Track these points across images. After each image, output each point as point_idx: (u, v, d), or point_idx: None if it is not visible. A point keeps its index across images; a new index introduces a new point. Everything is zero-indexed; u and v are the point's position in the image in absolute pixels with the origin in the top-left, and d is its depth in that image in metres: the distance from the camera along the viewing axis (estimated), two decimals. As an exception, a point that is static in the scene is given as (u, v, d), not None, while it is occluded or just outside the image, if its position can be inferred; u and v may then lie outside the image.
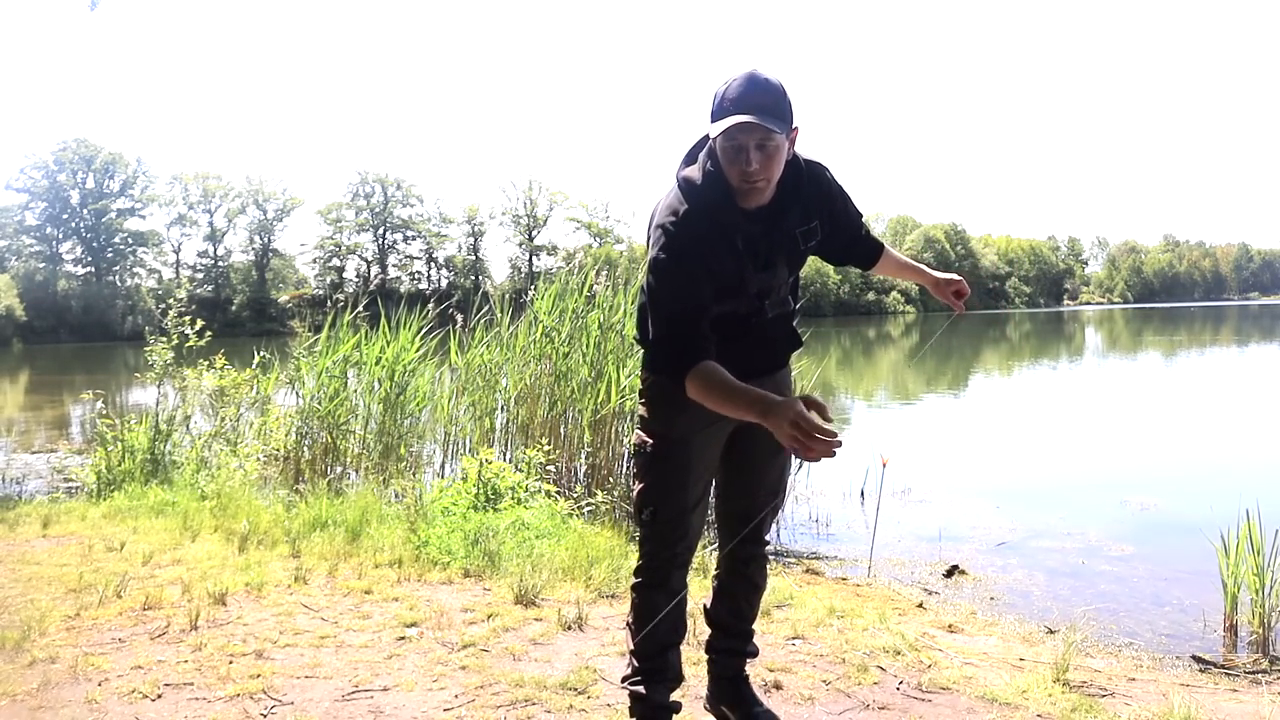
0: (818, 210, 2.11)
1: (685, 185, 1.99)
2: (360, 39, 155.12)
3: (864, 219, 2.32)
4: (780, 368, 2.29)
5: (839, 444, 1.56)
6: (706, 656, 2.46)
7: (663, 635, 2.22)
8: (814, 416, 1.64)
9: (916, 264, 2.49)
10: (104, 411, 6.52)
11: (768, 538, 2.46)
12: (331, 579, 3.83)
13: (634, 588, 2.26)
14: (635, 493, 2.21)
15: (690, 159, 2.05)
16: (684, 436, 2.11)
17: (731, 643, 2.40)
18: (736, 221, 1.97)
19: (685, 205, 1.96)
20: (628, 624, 2.29)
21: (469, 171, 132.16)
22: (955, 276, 2.41)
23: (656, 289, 1.98)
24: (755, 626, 2.45)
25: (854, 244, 2.33)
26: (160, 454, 6.21)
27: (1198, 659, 3.49)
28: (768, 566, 2.44)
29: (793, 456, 2.02)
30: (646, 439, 2.17)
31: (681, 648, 2.30)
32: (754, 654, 2.45)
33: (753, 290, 2.06)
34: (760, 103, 1.82)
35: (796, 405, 1.64)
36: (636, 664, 2.25)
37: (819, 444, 1.57)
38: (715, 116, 1.86)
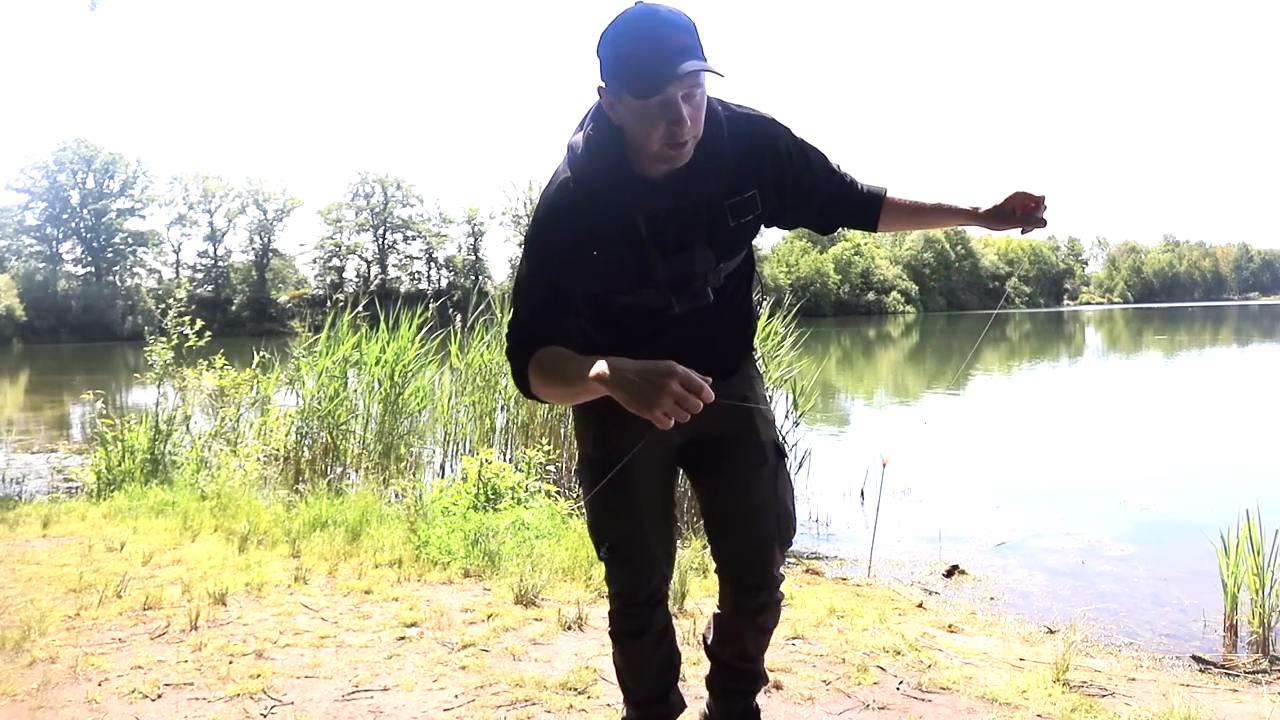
0: (756, 175, 1.66)
1: (570, 154, 1.62)
2: (360, 39, 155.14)
3: (841, 169, 1.82)
4: (727, 373, 1.80)
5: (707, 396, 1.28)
6: (707, 688, 2.11)
7: (654, 679, 2.03)
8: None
9: (945, 202, 1.81)
10: (104, 411, 6.53)
11: (780, 572, 1.93)
12: (331, 579, 3.83)
13: (612, 637, 2.00)
14: (588, 527, 1.92)
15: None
16: (621, 455, 1.70)
17: (737, 683, 2.04)
18: (634, 196, 1.57)
19: (568, 174, 1.61)
20: (617, 670, 2.08)
21: (469, 171, 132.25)
22: (1019, 190, 1.69)
23: (519, 272, 1.66)
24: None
25: (836, 205, 1.83)
26: (160, 454, 6.20)
27: (1198, 659, 3.49)
28: (782, 603, 1.99)
29: (777, 478, 1.82)
30: (583, 462, 1.89)
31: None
32: (765, 682, 2.11)
33: (662, 279, 1.65)
34: (682, 43, 1.42)
35: (673, 367, 1.29)
36: (636, 715, 2.07)
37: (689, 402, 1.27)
38: (621, 68, 1.45)
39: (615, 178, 1.56)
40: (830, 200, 1.82)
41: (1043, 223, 1.69)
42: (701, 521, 2.14)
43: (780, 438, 2.01)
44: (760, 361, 7.09)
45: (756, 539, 1.85)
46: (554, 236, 1.60)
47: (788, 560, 5.15)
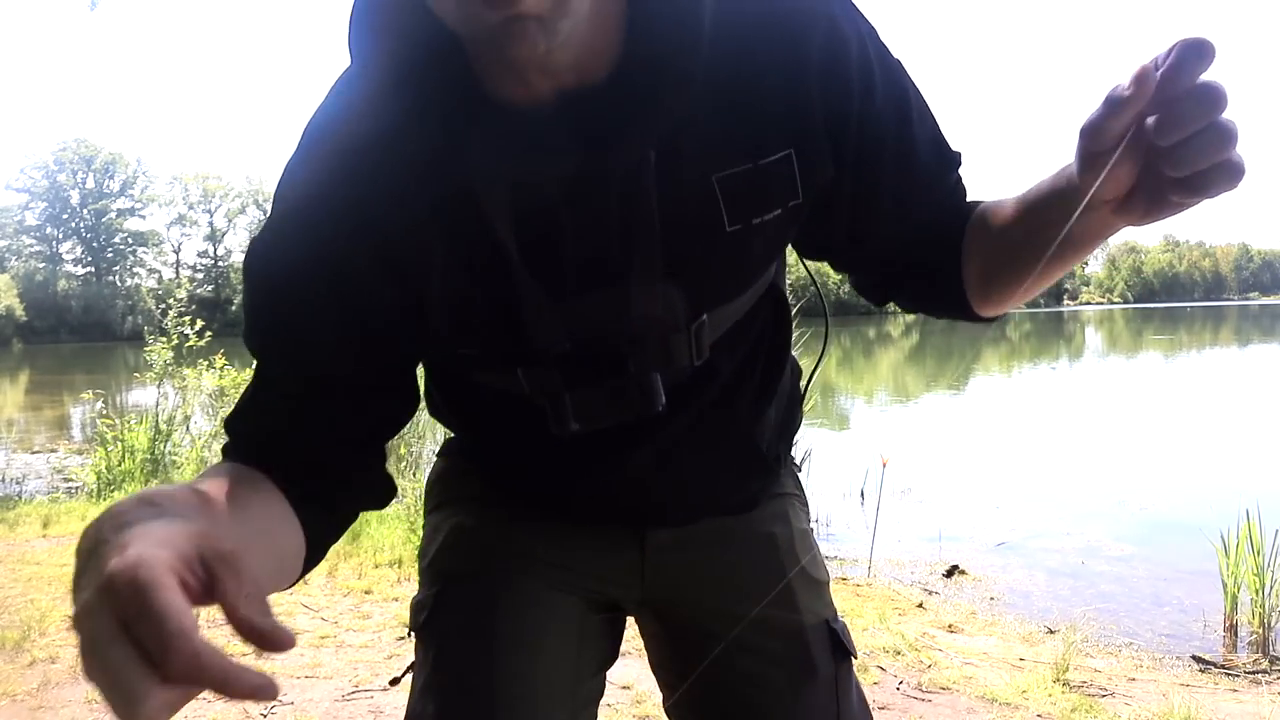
0: (792, 117, 0.73)
1: (355, 54, 0.70)
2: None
3: (952, 158, 0.84)
4: (734, 508, 0.96)
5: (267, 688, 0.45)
6: None
7: None
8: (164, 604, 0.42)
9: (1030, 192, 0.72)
10: (104, 411, 6.54)
11: None
12: (331, 579, 3.83)
13: None
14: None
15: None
16: (492, 584, 0.91)
17: None
18: (484, 150, 0.68)
19: (354, 94, 0.74)
20: None
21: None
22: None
23: (246, 275, 0.77)
24: None
25: (921, 225, 0.83)
26: (160, 454, 6.21)
27: (1198, 659, 3.49)
28: None
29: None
30: (426, 585, 0.95)
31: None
32: None
33: (554, 348, 0.77)
34: None
35: (110, 574, 0.43)
36: None
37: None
38: None
39: (441, 108, 0.68)
40: (899, 212, 0.81)
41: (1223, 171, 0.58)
42: None
43: (837, 616, 1.02)
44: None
45: None
46: (318, 212, 0.72)
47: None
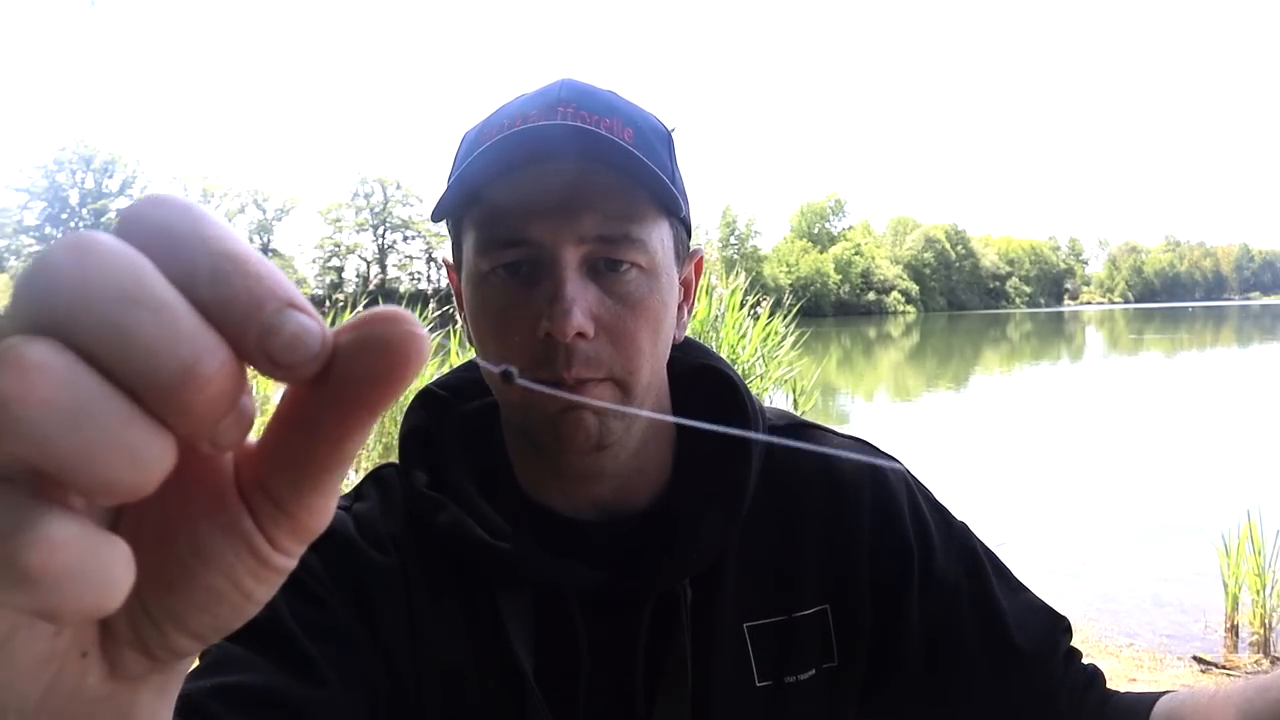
0: (836, 569, 0.72)
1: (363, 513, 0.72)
2: (360, 39, 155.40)
3: (1052, 643, 0.76)
4: None
5: None
6: None
7: None
8: None
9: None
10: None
11: None
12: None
13: None
14: None
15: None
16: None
17: None
18: (511, 561, 0.66)
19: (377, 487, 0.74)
20: None
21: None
22: None
23: None
24: None
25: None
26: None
27: (1199, 659, 3.49)
28: None
29: None
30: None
31: None
32: None
33: None
34: (586, 106, 0.64)
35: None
36: None
37: None
38: (463, 185, 0.63)
39: (471, 508, 0.68)
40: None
41: None
42: None
43: None
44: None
45: None
46: (323, 583, 0.67)
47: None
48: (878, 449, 0.76)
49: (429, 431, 0.73)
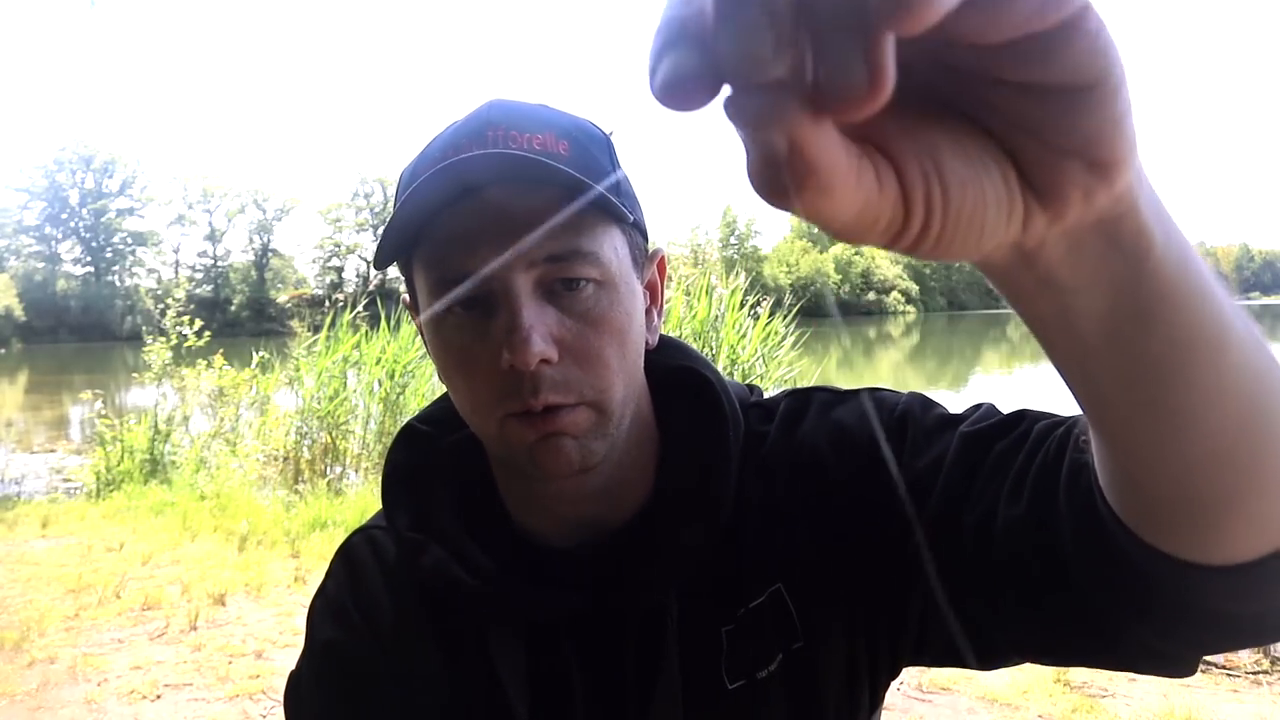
0: (788, 536, 0.68)
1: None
2: (360, 38, 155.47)
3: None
4: None
5: None
6: None
7: None
8: None
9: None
10: (103, 411, 6.52)
11: None
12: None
13: None
14: None
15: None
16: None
17: None
18: (495, 591, 0.67)
19: (369, 542, 0.77)
20: None
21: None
22: None
23: None
24: None
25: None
26: (159, 454, 6.21)
27: (1198, 659, 3.50)
28: None
29: None
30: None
31: None
32: None
33: None
34: (517, 125, 0.63)
35: None
36: None
37: None
38: (404, 217, 0.62)
39: (456, 545, 0.69)
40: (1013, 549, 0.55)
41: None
42: None
43: None
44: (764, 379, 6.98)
45: None
46: (336, 659, 0.73)
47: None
48: (843, 391, 0.74)
49: (411, 469, 0.73)
